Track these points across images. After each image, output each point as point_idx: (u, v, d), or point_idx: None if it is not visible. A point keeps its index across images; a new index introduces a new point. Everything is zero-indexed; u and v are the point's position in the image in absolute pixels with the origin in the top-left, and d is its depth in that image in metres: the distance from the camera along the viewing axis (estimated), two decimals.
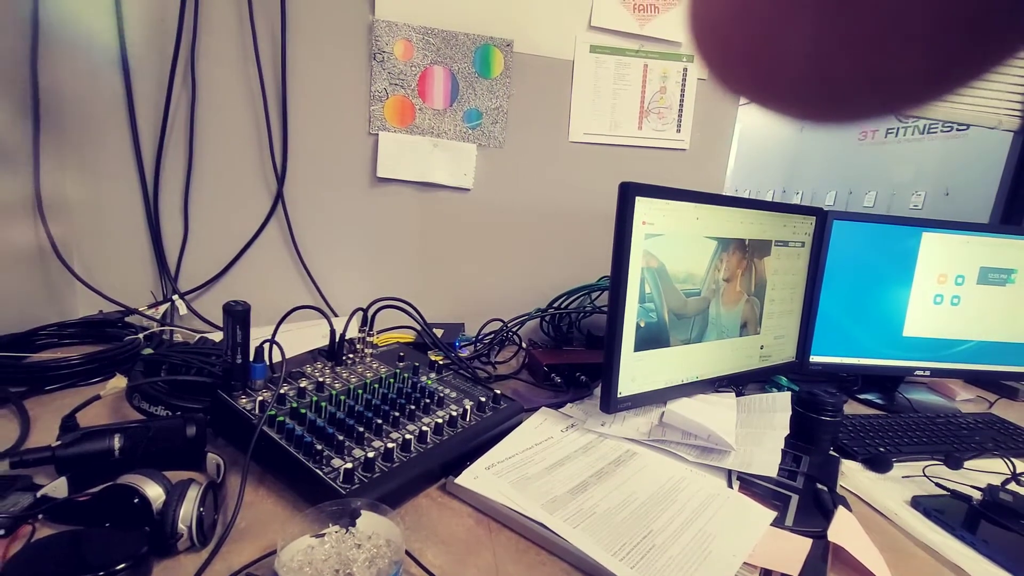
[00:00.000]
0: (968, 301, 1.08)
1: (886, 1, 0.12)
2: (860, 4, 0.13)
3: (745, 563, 0.53)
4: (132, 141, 1.06)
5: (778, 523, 0.61)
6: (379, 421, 0.66)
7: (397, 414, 0.69)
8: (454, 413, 0.72)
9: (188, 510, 0.49)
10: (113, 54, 1.01)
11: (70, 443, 0.56)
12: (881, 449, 0.83)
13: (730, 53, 0.16)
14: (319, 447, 0.59)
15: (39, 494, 0.52)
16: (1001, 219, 1.67)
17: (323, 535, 0.48)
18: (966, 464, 0.80)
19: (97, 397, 0.67)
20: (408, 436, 0.65)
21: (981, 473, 0.79)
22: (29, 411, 0.72)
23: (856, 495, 0.72)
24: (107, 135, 1.05)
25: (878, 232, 1.05)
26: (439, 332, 1.09)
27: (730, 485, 0.68)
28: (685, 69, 1.25)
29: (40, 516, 0.51)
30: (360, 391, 0.74)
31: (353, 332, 0.85)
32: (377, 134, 1.15)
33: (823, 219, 1.02)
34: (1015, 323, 1.10)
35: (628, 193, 0.73)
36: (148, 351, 0.89)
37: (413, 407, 0.71)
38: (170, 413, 0.71)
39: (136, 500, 0.49)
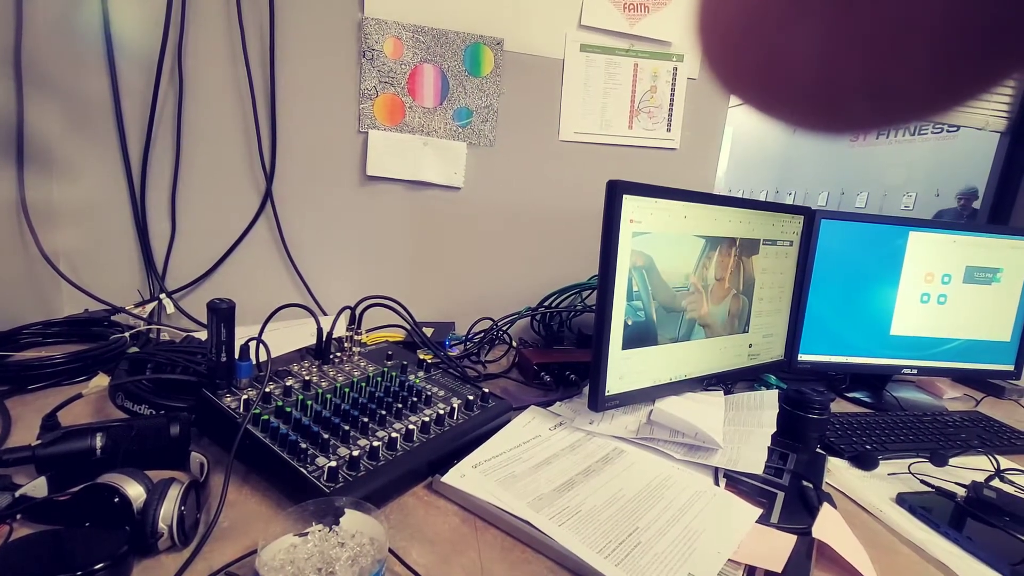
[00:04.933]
0: (955, 300, 1.09)
1: (896, 9, 0.12)
2: (870, 12, 0.12)
3: (730, 560, 0.54)
4: (119, 138, 1.05)
5: (764, 520, 0.61)
6: (365, 419, 0.66)
7: (384, 412, 0.69)
8: (441, 411, 0.72)
9: (169, 509, 0.48)
10: (99, 49, 1.00)
11: (50, 442, 0.56)
12: (868, 447, 0.84)
13: (740, 63, 0.16)
14: (304, 445, 0.59)
15: (17, 494, 0.51)
16: (988, 219, 1.68)
17: (306, 534, 0.48)
18: (951, 461, 0.80)
19: (79, 396, 0.67)
20: (394, 434, 0.65)
21: (966, 470, 0.79)
22: (11, 410, 0.71)
23: (842, 492, 0.73)
24: (93, 132, 1.03)
25: (866, 231, 1.05)
26: (429, 331, 1.09)
27: (716, 483, 0.68)
28: (675, 68, 1.25)
29: (18, 516, 0.50)
30: (347, 389, 0.73)
31: (342, 331, 0.84)
32: (367, 132, 1.15)
33: (811, 218, 1.02)
34: (1001, 322, 1.11)
35: (615, 191, 0.73)
36: (133, 350, 0.89)
37: (400, 405, 0.70)
38: (154, 412, 0.70)
39: (116, 499, 0.49)
